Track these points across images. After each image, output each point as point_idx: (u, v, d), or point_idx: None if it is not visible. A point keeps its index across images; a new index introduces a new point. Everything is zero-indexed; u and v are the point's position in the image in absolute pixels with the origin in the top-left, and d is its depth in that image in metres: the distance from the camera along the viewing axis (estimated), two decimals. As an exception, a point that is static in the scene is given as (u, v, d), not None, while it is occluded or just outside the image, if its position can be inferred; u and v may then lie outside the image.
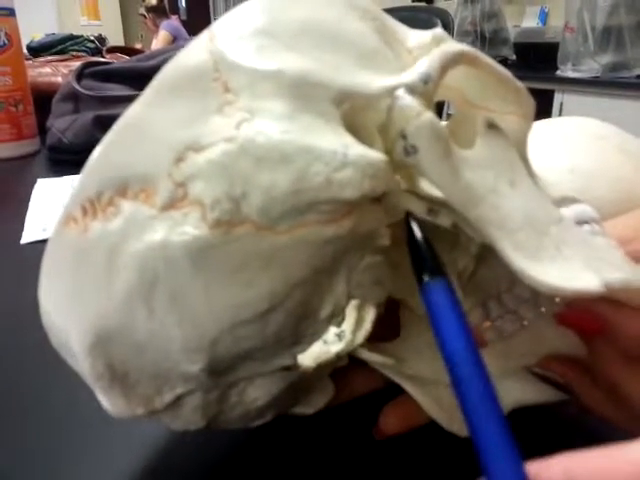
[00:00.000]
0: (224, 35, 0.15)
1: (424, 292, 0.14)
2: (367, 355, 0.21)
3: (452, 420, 0.20)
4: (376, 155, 0.14)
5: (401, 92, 0.15)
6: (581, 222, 0.19)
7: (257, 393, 0.17)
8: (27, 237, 0.45)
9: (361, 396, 0.23)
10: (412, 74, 0.15)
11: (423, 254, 0.15)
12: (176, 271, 0.14)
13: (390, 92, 0.15)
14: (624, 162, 0.38)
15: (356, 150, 0.14)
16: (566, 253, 0.15)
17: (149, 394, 0.16)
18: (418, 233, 0.16)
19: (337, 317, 0.16)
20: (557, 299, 0.20)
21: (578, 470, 0.11)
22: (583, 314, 0.18)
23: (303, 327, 0.15)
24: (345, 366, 0.21)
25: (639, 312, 0.16)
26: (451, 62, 0.16)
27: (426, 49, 0.17)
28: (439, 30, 0.17)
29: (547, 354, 0.21)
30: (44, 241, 0.44)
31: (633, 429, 0.19)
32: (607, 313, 0.17)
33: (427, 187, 0.16)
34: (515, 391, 0.21)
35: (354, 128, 0.15)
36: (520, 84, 0.18)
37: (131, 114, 0.16)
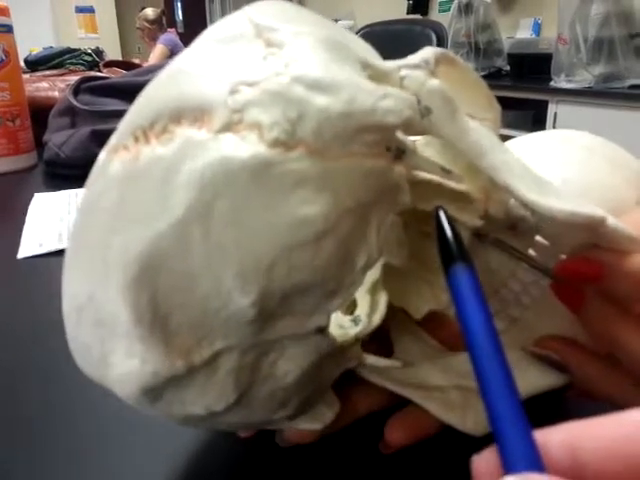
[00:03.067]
0: (256, 12, 0.17)
1: (450, 276, 0.15)
2: (373, 360, 0.21)
3: (465, 419, 0.20)
4: (406, 94, 0.16)
5: (409, 68, 0.17)
6: None
7: (288, 365, 0.17)
8: (24, 252, 0.46)
9: (364, 416, 0.22)
10: (414, 59, 0.17)
11: (450, 242, 0.16)
12: (236, 187, 0.14)
13: (399, 68, 0.17)
14: (613, 173, 0.38)
15: (392, 88, 0.16)
16: (565, 198, 0.17)
17: (189, 344, 0.15)
18: (446, 223, 0.17)
19: (369, 269, 0.16)
20: (536, 296, 0.21)
21: (584, 436, 0.11)
22: (581, 261, 0.18)
23: (344, 272, 0.15)
24: (348, 386, 0.21)
25: (636, 254, 0.17)
26: (440, 56, 0.18)
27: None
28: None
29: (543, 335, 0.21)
30: (41, 256, 0.45)
31: (631, 402, 0.19)
32: (605, 258, 0.18)
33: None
34: (526, 378, 0.21)
35: None
36: (490, 91, 0.20)
37: (177, 63, 0.17)
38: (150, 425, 0.24)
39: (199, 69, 0.16)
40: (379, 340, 0.24)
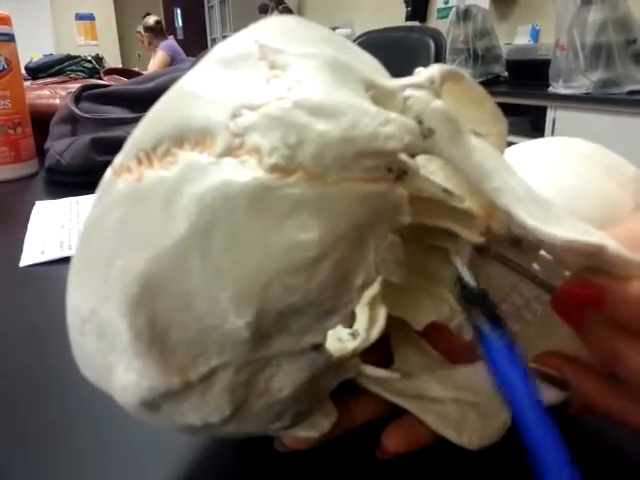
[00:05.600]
0: (262, 32, 0.17)
1: (485, 344, 0.16)
2: (372, 371, 0.21)
3: (461, 433, 0.21)
4: (408, 120, 0.16)
5: (414, 87, 0.17)
6: None
7: (283, 381, 0.17)
8: (26, 260, 0.46)
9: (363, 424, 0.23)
10: (419, 77, 0.17)
11: (481, 306, 0.16)
12: (235, 211, 0.14)
13: (404, 88, 0.17)
14: (608, 179, 0.39)
15: (393, 113, 0.16)
16: (568, 223, 0.17)
17: (185, 362, 0.16)
18: (472, 282, 0.17)
19: (367, 288, 0.16)
20: (538, 311, 0.22)
21: None
22: (582, 285, 0.18)
23: (341, 291, 0.16)
24: (346, 395, 0.22)
25: (636, 280, 0.17)
26: (446, 74, 0.18)
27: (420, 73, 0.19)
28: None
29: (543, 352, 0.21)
30: (43, 264, 0.45)
31: (631, 417, 0.19)
32: (605, 283, 0.18)
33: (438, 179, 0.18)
34: None
35: None
36: (497, 107, 0.21)
37: (182, 83, 0.17)
38: (148, 431, 0.24)
39: (202, 91, 0.16)
40: (380, 349, 0.24)
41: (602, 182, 0.39)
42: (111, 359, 0.17)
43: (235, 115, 0.15)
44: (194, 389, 0.16)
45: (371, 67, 0.18)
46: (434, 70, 0.18)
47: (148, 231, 0.15)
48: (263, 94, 0.15)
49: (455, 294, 0.22)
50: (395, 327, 0.24)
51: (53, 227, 0.54)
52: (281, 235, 0.14)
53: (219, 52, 0.17)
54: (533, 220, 0.16)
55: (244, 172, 0.14)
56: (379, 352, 0.24)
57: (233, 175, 0.14)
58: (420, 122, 0.16)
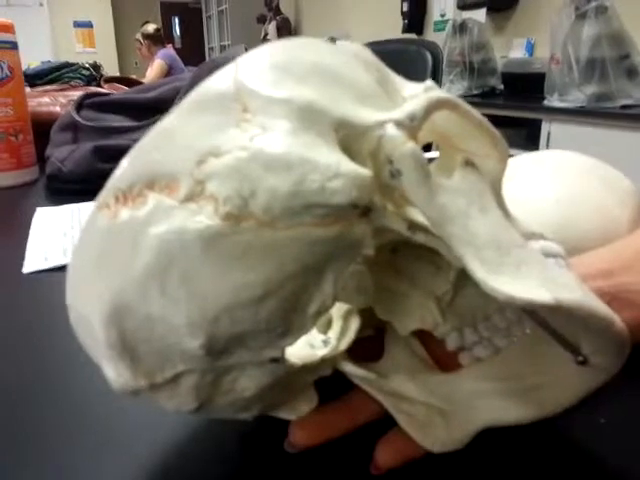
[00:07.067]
0: (246, 67, 0.18)
1: None
2: (350, 368, 0.23)
3: (425, 435, 0.22)
4: (363, 170, 0.17)
5: (390, 125, 0.17)
6: (548, 256, 0.20)
7: (247, 383, 0.19)
8: (29, 266, 0.46)
9: (365, 424, 0.23)
10: (400, 112, 0.18)
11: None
12: (189, 253, 0.16)
13: (381, 125, 0.17)
14: (605, 193, 0.40)
15: (347, 165, 0.16)
16: (525, 272, 0.17)
17: (153, 368, 0.18)
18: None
19: (323, 314, 0.18)
20: (527, 330, 0.22)
21: None
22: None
23: (292, 319, 0.17)
24: (349, 395, 0.23)
25: None
26: (434, 106, 0.18)
27: (417, 96, 0.19)
28: (430, 82, 0.20)
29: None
30: (47, 271, 0.45)
31: None
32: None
33: (411, 213, 0.19)
34: (495, 410, 0.22)
35: (350, 152, 0.17)
36: (495, 130, 0.21)
37: (164, 122, 0.19)
38: (148, 432, 0.25)
39: (176, 135, 0.18)
40: (374, 343, 0.26)
41: (601, 196, 0.40)
42: (98, 354, 0.19)
43: (200, 162, 0.16)
44: (161, 388, 0.19)
45: (361, 93, 0.18)
46: (421, 102, 0.18)
47: (118, 263, 0.17)
48: (229, 141, 0.16)
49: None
50: (390, 325, 0.25)
51: (55, 234, 0.54)
52: (230, 276, 0.16)
53: (199, 92, 0.18)
54: (483, 271, 0.17)
55: (200, 218, 0.16)
56: (372, 346, 0.26)
57: (190, 221, 0.16)
58: (390, 162, 0.17)
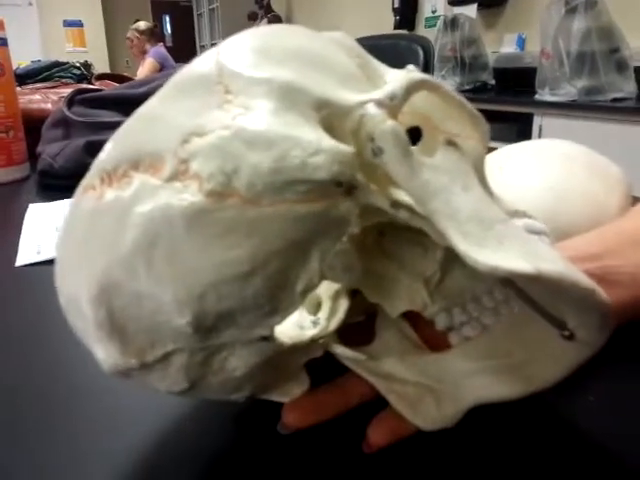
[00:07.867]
0: (228, 51, 0.18)
1: None
2: (340, 350, 0.23)
3: (415, 413, 0.22)
4: (344, 147, 0.17)
5: (371, 105, 0.18)
6: (531, 233, 0.21)
7: (237, 363, 0.19)
8: (22, 260, 0.46)
9: (360, 404, 0.24)
10: (381, 92, 0.18)
11: None
12: (174, 230, 0.16)
13: (362, 104, 0.18)
14: (592, 179, 0.40)
15: (328, 142, 0.17)
16: (507, 245, 0.18)
17: (143, 347, 0.18)
18: None
19: (310, 292, 0.18)
20: (515, 309, 0.22)
21: None
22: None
23: (280, 297, 0.17)
24: (343, 376, 0.23)
25: None
26: (414, 86, 0.19)
27: (398, 79, 0.19)
28: (411, 66, 0.21)
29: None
30: (39, 264, 0.45)
31: None
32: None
33: (395, 193, 0.19)
34: (484, 387, 0.23)
35: (332, 132, 0.17)
36: (476, 111, 0.21)
37: (148, 105, 0.19)
38: (148, 430, 0.25)
39: (160, 117, 0.18)
40: (365, 327, 0.26)
41: (588, 183, 0.40)
42: (88, 336, 0.20)
43: (184, 141, 0.17)
44: (153, 367, 0.19)
45: (342, 76, 0.18)
46: (401, 82, 0.18)
47: (104, 243, 0.17)
48: (212, 121, 0.17)
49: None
50: (381, 308, 0.25)
51: (48, 229, 0.54)
52: (214, 253, 0.16)
53: (181, 75, 0.19)
54: (466, 244, 0.17)
55: (184, 196, 0.16)
56: (363, 330, 0.26)
57: (175, 198, 0.16)
58: (372, 140, 0.17)
